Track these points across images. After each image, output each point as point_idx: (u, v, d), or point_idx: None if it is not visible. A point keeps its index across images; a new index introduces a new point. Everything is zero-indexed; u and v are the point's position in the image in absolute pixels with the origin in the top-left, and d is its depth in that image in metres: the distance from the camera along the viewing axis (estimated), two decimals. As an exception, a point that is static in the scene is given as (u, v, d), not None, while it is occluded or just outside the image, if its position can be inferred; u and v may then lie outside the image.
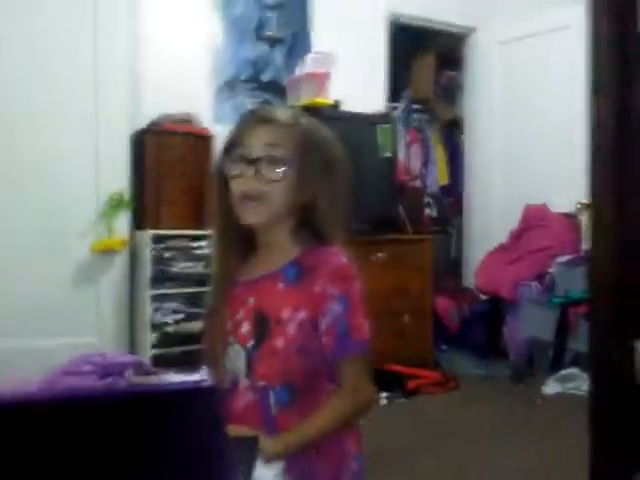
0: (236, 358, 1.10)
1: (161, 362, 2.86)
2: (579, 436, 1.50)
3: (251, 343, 1.09)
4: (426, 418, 3.04)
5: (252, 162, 1.07)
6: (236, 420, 1.06)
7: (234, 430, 1.07)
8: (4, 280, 2.88)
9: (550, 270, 3.68)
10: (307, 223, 1.12)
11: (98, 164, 3.10)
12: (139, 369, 2.06)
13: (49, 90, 3.01)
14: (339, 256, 1.09)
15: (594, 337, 1.49)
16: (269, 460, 1.00)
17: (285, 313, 1.07)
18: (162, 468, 0.60)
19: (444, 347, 3.99)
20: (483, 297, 4.13)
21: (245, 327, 1.10)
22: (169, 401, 0.58)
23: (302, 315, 1.06)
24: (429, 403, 3.26)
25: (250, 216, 1.09)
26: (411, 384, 3.35)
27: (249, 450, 0.99)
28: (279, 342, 1.06)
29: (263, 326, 1.08)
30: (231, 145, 1.10)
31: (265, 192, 1.07)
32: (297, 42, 3.84)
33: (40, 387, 1.84)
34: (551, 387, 3.35)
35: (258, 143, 1.07)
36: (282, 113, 1.12)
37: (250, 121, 1.11)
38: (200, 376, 1.18)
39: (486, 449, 2.63)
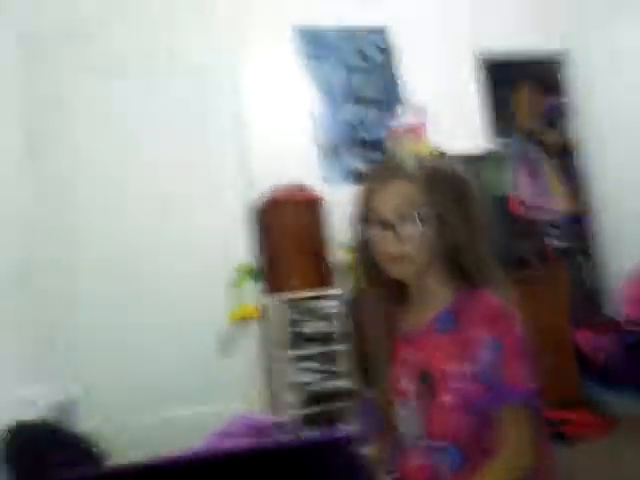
0: (408, 418, 1.07)
1: (304, 421, 2.89)
2: None
3: (419, 401, 1.05)
4: (588, 466, 2.79)
5: (387, 226, 1.06)
6: None
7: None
8: (147, 355, 3.08)
9: None
10: (457, 265, 1.08)
11: (223, 238, 3.29)
12: (284, 429, 2.10)
13: (172, 172, 3.28)
14: (490, 297, 1.04)
15: None
16: None
17: (448, 366, 1.03)
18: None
19: (591, 384, 3.67)
20: (632, 326, 3.78)
21: (412, 385, 1.07)
22: (308, 452, 0.58)
23: (464, 366, 1.01)
24: (589, 449, 2.99)
25: (397, 273, 1.09)
26: (568, 430, 3.09)
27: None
28: (446, 399, 1.02)
29: (428, 383, 1.05)
30: (364, 208, 1.11)
31: (407, 251, 1.06)
32: (389, 97, 3.91)
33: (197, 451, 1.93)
34: None
35: (389, 204, 1.07)
36: (404, 165, 1.10)
37: (376, 182, 1.10)
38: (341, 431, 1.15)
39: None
